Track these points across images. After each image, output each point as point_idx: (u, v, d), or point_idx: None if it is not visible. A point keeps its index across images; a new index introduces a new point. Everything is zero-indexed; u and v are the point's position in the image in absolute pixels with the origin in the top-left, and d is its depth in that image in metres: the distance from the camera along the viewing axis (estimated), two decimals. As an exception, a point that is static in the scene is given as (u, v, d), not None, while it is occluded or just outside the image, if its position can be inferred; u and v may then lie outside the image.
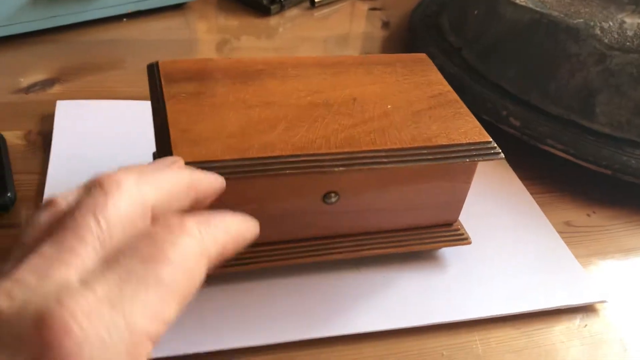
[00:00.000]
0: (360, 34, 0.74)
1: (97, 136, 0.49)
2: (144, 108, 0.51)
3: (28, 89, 0.55)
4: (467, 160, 0.37)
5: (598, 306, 0.43)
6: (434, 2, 0.72)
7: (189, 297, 0.23)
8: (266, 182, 0.34)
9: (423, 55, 0.45)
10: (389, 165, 0.35)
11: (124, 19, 0.68)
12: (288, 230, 0.38)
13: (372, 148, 0.35)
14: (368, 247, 0.40)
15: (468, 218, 0.43)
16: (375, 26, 0.76)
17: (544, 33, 0.52)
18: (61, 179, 0.45)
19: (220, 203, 0.34)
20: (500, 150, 0.37)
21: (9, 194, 0.42)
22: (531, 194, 0.51)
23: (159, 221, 0.24)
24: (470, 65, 0.58)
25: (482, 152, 0.37)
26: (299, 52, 0.68)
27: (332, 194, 0.36)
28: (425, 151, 0.36)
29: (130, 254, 0.22)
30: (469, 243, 0.42)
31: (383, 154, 0.35)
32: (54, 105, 0.51)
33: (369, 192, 0.37)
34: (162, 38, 0.66)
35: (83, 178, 0.45)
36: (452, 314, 0.39)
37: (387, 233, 0.40)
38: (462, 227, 0.42)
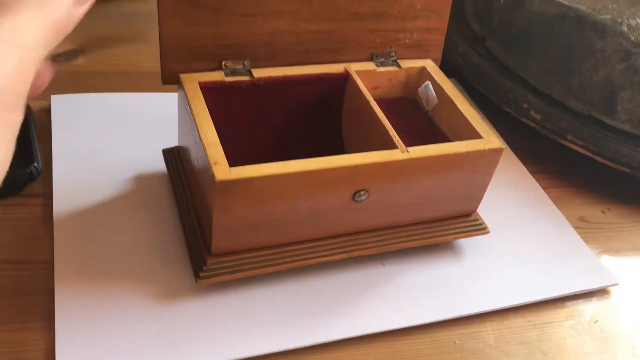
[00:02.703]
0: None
1: (96, 130, 0.48)
2: (145, 101, 0.51)
3: (54, 59, 0.55)
4: None
5: (609, 302, 0.43)
6: (459, -11, 0.71)
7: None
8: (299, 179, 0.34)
9: None
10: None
11: (149, -9, 0.68)
12: (316, 228, 0.38)
13: None
14: (393, 241, 0.40)
15: (483, 213, 0.44)
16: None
17: (570, 27, 0.52)
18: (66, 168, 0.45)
19: (253, 201, 0.34)
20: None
21: (35, 164, 0.43)
22: (547, 187, 0.52)
23: None
24: (493, 55, 0.58)
25: None
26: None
27: (362, 192, 0.36)
28: None
29: None
30: (488, 232, 0.43)
31: None
32: (81, 77, 0.51)
33: (397, 188, 0.38)
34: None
35: (87, 168, 0.45)
36: (472, 306, 0.40)
37: (411, 226, 0.41)
38: (480, 217, 0.43)
